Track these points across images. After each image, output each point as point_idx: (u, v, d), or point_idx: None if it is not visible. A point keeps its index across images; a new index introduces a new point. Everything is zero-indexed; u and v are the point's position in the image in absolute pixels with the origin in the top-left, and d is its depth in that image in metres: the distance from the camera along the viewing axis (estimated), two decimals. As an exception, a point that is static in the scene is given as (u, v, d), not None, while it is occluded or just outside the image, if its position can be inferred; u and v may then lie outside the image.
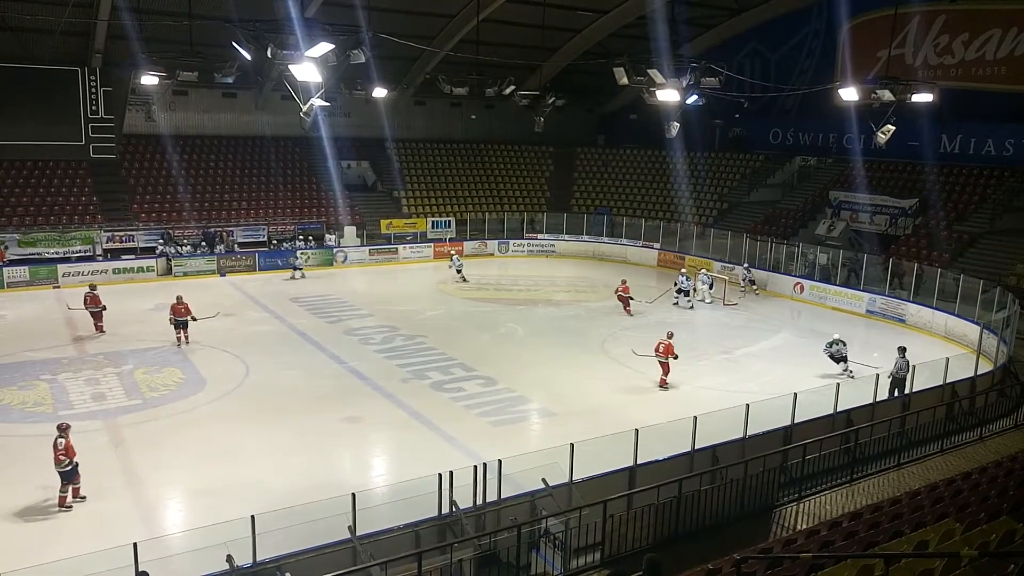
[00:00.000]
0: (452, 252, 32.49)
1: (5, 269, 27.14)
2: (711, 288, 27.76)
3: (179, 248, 30.15)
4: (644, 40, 29.32)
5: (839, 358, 19.25)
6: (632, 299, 25.60)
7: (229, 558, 9.70)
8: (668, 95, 23.96)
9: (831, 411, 15.48)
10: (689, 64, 24.20)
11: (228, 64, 25.98)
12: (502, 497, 11.97)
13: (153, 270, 29.33)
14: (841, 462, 14.14)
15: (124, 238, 30.43)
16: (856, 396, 15.93)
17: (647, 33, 29.63)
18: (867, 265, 27.19)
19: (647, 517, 11.20)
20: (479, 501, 11.73)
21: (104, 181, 32.35)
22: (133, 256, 29.81)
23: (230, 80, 27.25)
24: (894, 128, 23.94)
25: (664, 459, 13.26)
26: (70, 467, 12.35)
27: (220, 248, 31.45)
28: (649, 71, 22.90)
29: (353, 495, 10.56)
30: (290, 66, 21.37)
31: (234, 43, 22.76)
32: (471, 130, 41.79)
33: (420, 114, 40.17)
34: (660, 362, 18.55)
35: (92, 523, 11.74)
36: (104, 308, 22.09)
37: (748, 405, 14.19)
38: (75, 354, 20.17)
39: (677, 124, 26.86)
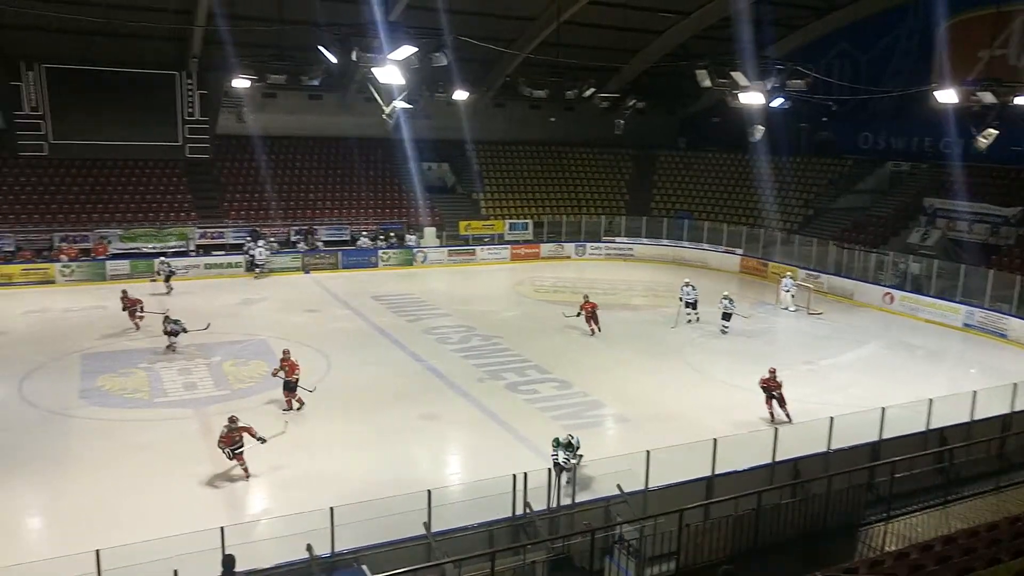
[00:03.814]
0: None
1: (108, 262, 28.67)
2: (793, 296, 26.95)
3: (258, 253, 30.45)
4: (728, 42, 28.71)
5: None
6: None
7: (309, 547, 9.96)
8: (752, 98, 23.40)
9: (923, 428, 14.81)
10: (774, 66, 23.58)
11: (315, 67, 26.69)
12: (576, 501, 11.91)
13: (241, 266, 30.44)
14: (934, 482, 13.49)
15: (215, 235, 31.69)
16: (952, 413, 15.18)
17: (731, 34, 29.00)
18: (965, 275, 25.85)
19: (724, 528, 10.94)
20: (553, 504, 11.70)
21: (198, 180, 33.78)
22: (223, 252, 31.01)
23: (316, 83, 27.97)
24: (996, 132, 22.74)
25: (743, 470, 12.94)
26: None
27: (303, 246, 32.39)
28: (733, 73, 22.43)
29: (429, 492, 10.69)
30: (373, 69, 21.82)
31: (320, 47, 23.40)
32: (550, 132, 41.76)
33: (499, 116, 40.39)
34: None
35: (181, 506, 12.22)
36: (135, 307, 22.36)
37: (832, 418, 13.71)
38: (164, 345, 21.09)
39: (761, 127, 26.23)
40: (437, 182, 39.00)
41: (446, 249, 34.63)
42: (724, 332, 23.43)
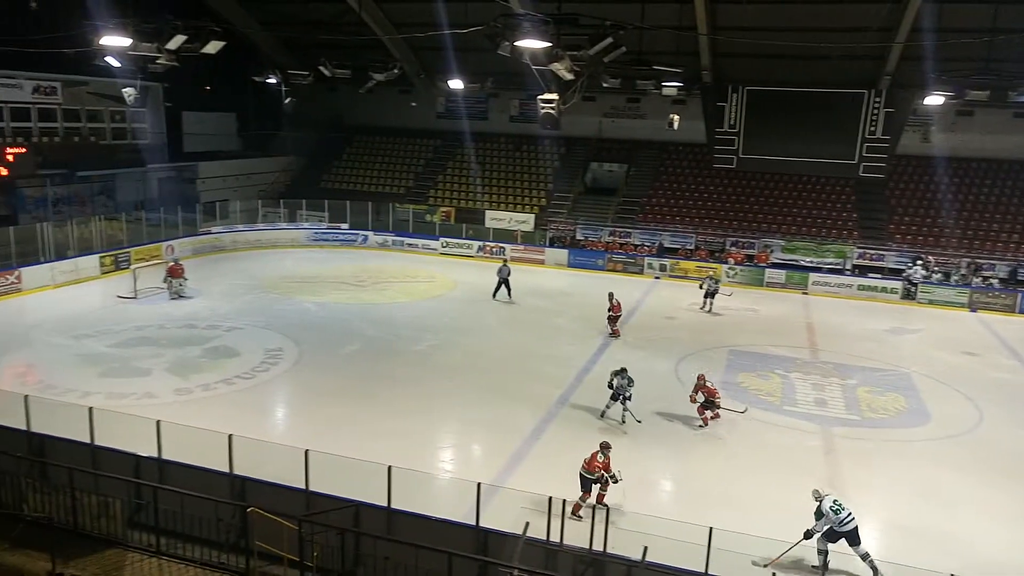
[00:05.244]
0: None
1: (767, 270, 30.58)
2: None
3: (914, 271, 28.71)
4: None
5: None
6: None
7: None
8: None
9: None
10: None
11: (1027, 81, 23.30)
12: None
13: (896, 292, 28.84)
14: None
15: (874, 256, 30.69)
16: None
17: None
18: None
19: None
20: None
21: (866, 200, 33.16)
22: (879, 276, 29.84)
23: (1025, 99, 24.43)
24: None
25: None
26: (591, 478, 12.28)
27: (975, 280, 28.82)
28: None
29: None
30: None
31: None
32: None
33: None
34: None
35: (792, 513, 12.25)
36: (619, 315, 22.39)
37: None
38: (808, 358, 21.38)
39: None
40: None
41: None
42: None
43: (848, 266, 30.66)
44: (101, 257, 27.50)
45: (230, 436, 11.38)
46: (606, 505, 11.84)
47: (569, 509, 11.36)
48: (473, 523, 10.44)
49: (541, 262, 32.75)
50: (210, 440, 11.43)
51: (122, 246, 28.70)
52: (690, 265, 31.30)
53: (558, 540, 10.27)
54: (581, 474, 12.25)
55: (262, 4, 34.59)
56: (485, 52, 19.45)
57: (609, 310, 22.41)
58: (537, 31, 16.16)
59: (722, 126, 33.13)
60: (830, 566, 11.10)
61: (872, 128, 31.56)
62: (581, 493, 12.15)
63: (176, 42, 18.51)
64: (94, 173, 31.52)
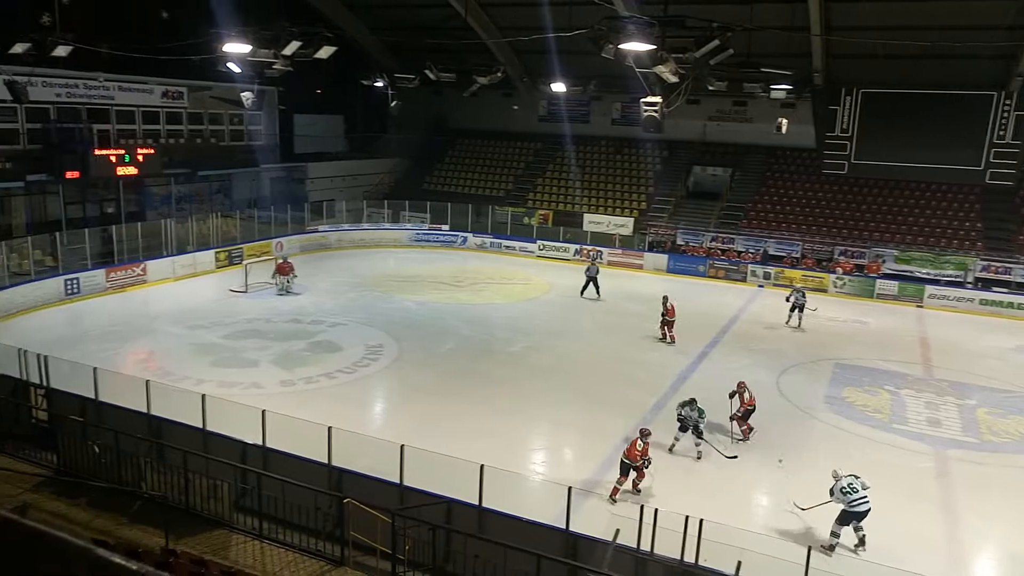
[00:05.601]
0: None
1: (878, 281, 29.10)
2: None
3: None
4: None
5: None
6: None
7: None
8: None
9: None
10: None
11: None
12: None
13: (1022, 308, 26.88)
14: None
15: (1000, 269, 28.69)
16: None
17: None
18: None
19: None
20: None
21: (993, 208, 31.07)
22: (1006, 290, 27.88)
23: None
24: None
25: None
26: (630, 465, 12.59)
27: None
28: None
29: None
30: None
31: None
32: None
33: None
34: None
35: (899, 538, 11.66)
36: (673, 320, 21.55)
37: None
38: (921, 374, 20.23)
39: None
40: None
41: None
42: None
43: (970, 279, 28.78)
44: (216, 252, 29.07)
45: (329, 428, 11.76)
46: (639, 490, 12.73)
47: (660, 519, 11.17)
48: (563, 527, 10.41)
49: (640, 267, 32.35)
50: (311, 431, 11.85)
51: (235, 242, 30.26)
52: (796, 274, 30.17)
53: (648, 549, 10.10)
54: (621, 460, 12.64)
55: (372, 10, 35.70)
56: (588, 55, 19.36)
57: (663, 314, 21.68)
58: (642, 33, 15.96)
59: (833, 130, 31.84)
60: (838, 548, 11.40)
61: (1001, 132, 29.60)
62: (619, 477, 12.57)
63: (291, 48, 19.34)
64: (213, 173, 33.28)
